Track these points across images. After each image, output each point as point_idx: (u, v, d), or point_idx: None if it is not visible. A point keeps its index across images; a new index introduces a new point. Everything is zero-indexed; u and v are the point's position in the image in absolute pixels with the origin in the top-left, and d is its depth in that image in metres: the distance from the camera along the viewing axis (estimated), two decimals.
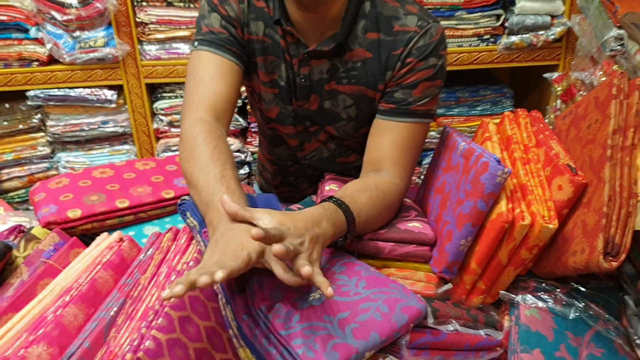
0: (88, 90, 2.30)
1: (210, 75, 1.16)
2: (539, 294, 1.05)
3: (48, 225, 1.18)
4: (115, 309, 0.88)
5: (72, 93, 2.30)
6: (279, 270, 0.83)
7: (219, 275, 0.74)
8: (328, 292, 0.78)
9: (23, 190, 2.48)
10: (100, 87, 2.31)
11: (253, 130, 2.46)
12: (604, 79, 1.36)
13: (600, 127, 1.02)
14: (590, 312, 1.02)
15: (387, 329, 0.84)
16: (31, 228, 1.19)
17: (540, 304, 1.03)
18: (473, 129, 2.35)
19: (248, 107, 2.43)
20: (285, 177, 1.53)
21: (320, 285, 0.79)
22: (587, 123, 1.08)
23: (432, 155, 1.35)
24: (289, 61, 1.23)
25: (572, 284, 1.08)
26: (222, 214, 0.91)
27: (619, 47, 1.44)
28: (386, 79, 1.19)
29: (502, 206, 1.00)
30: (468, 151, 1.08)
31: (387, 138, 1.19)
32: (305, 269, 0.79)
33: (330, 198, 1.01)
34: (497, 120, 1.30)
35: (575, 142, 1.11)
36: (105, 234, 1.11)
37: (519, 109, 1.28)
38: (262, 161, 1.58)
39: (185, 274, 0.75)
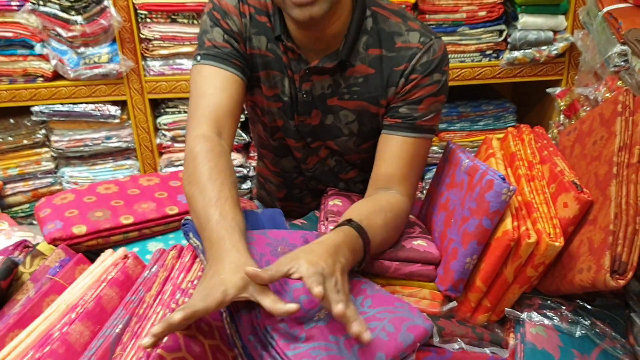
0: (92, 106, 2.31)
1: (213, 88, 1.17)
2: (544, 311, 1.04)
3: (54, 242, 1.18)
4: (120, 326, 0.88)
5: (77, 108, 2.30)
6: (267, 302, 0.82)
7: (176, 316, 0.76)
8: (365, 338, 0.78)
9: (27, 205, 2.48)
10: (104, 102, 2.31)
11: (257, 145, 2.46)
12: (608, 95, 1.37)
13: (605, 144, 1.02)
14: (597, 330, 1.01)
15: (393, 349, 0.84)
16: (37, 244, 1.19)
17: (546, 321, 1.02)
18: (475, 144, 2.35)
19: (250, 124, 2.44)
20: (290, 189, 1.52)
21: (353, 326, 0.79)
22: (592, 140, 1.08)
23: (434, 170, 1.35)
24: (291, 77, 1.24)
25: (578, 301, 1.07)
26: (214, 244, 0.91)
27: (622, 63, 1.45)
28: (389, 95, 1.20)
29: (508, 224, 1.00)
30: (472, 168, 1.08)
31: (394, 153, 1.19)
32: (340, 308, 0.79)
33: (349, 222, 1.00)
34: (500, 136, 1.31)
35: (580, 158, 1.12)
36: (110, 251, 1.11)
37: (522, 125, 1.28)
38: (265, 174, 1.58)
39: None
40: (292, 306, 0.80)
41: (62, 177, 2.45)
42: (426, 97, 1.17)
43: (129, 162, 2.46)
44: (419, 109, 1.18)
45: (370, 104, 1.22)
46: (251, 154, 2.50)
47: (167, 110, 2.38)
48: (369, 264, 1.06)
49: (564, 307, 1.05)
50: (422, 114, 1.18)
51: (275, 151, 1.43)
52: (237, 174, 2.44)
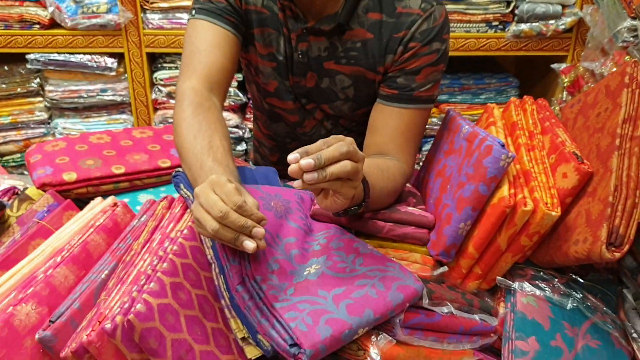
0: (88, 57, 2.27)
1: (206, 45, 1.14)
2: (536, 282, 1.03)
3: (43, 187, 1.16)
4: (106, 272, 0.87)
5: (73, 59, 2.27)
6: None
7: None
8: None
9: (18, 155, 2.45)
10: (101, 54, 2.28)
11: (252, 106, 2.43)
12: (614, 69, 1.34)
13: (610, 116, 1.00)
14: (588, 304, 1.00)
15: (381, 307, 0.83)
16: (25, 188, 1.17)
17: (538, 292, 1.01)
18: (476, 117, 2.32)
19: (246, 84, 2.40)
20: (283, 153, 1.50)
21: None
22: (596, 111, 1.06)
23: (432, 141, 1.33)
24: (287, 35, 1.20)
25: (571, 274, 1.06)
26: None
27: (631, 38, 1.42)
28: (387, 62, 1.17)
29: (504, 191, 0.98)
30: (472, 134, 1.06)
31: (390, 124, 1.17)
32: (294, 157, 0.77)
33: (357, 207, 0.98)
34: (502, 107, 1.28)
35: (582, 130, 1.10)
36: (99, 199, 1.09)
37: (526, 96, 1.26)
38: (259, 137, 1.55)
39: None
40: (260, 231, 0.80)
41: (55, 128, 2.42)
42: (424, 66, 1.14)
43: (124, 116, 2.43)
44: (417, 79, 1.15)
45: (367, 70, 1.19)
46: (247, 115, 2.47)
47: (164, 65, 2.35)
48: (362, 223, 1.04)
49: (556, 279, 1.04)
50: (419, 84, 1.15)
51: (268, 115, 1.40)
52: (233, 135, 2.42)
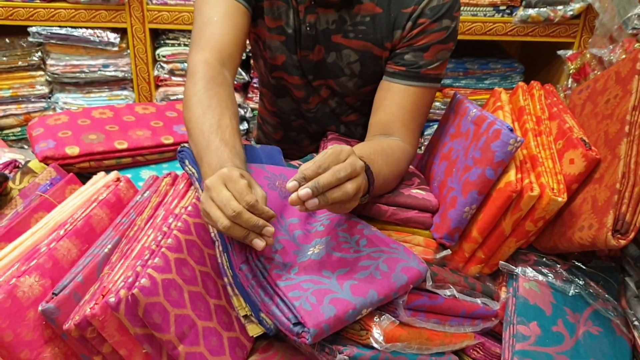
0: (91, 31, 2.25)
1: (219, 16, 1.12)
2: (539, 268, 1.03)
3: (45, 160, 1.16)
4: (109, 246, 0.87)
5: (75, 33, 2.24)
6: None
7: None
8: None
9: (18, 129, 2.43)
10: (104, 29, 2.25)
11: (255, 85, 2.42)
12: (624, 56, 1.33)
13: (619, 103, 1.00)
14: (590, 290, 1.00)
15: (385, 288, 0.82)
16: (28, 161, 1.16)
17: (541, 277, 1.01)
18: (479, 103, 2.30)
19: (252, 60, 2.38)
20: (287, 131, 1.49)
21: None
22: (605, 98, 1.05)
23: (435, 126, 1.32)
24: (296, 7, 1.18)
25: (574, 261, 1.06)
26: (214, 169, 0.88)
27: None
28: (395, 38, 1.15)
29: (511, 175, 0.97)
30: (480, 118, 1.05)
31: (396, 102, 1.15)
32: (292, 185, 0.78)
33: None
34: (509, 92, 1.27)
35: (590, 117, 1.09)
36: (102, 173, 1.08)
37: (533, 81, 1.25)
38: (263, 114, 1.54)
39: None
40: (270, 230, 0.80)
41: (56, 102, 2.40)
42: (433, 44, 1.13)
43: (125, 92, 2.41)
44: (425, 57, 1.13)
45: (374, 46, 1.18)
46: (249, 95, 2.45)
47: (167, 41, 2.33)
48: (365, 206, 1.04)
49: (559, 266, 1.04)
50: (427, 62, 1.14)
51: (274, 90, 1.39)
52: None
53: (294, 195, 0.77)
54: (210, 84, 1.03)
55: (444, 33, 1.12)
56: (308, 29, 1.19)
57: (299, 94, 1.33)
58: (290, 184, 0.77)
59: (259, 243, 0.79)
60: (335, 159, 0.80)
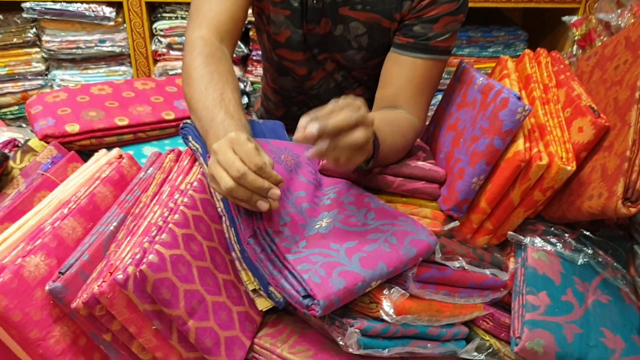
0: (86, 6, 2.21)
1: None
2: (547, 237, 1.03)
3: (45, 138, 1.14)
4: (115, 224, 0.86)
5: (70, 8, 2.21)
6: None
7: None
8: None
9: (16, 107, 2.41)
10: (99, 3, 2.22)
11: (254, 58, 2.39)
12: (633, 20, 1.30)
13: (629, 69, 0.98)
14: (599, 259, 1.00)
15: (395, 260, 0.82)
16: (27, 140, 1.14)
17: (549, 247, 1.01)
18: (483, 72, 2.27)
19: (251, 33, 2.35)
20: (288, 107, 1.47)
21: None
22: (614, 64, 1.04)
23: (440, 96, 1.30)
24: None
25: (582, 230, 1.05)
26: (221, 139, 0.86)
27: None
28: (404, 9, 1.12)
29: (519, 145, 0.96)
30: (487, 86, 1.03)
31: (403, 74, 1.13)
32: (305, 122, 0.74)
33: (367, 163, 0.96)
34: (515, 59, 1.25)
35: (599, 84, 1.07)
36: (104, 151, 1.07)
37: (539, 48, 1.23)
38: (266, 90, 1.52)
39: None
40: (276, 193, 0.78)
41: (53, 80, 2.38)
42: (443, 15, 1.10)
43: (123, 68, 2.39)
44: (435, 28, 1.11)
45: (383, 17, 1.15)
46: (249, 68, 2.42)
47: (164, 15, 2.29)
48: (372, 177, 1.02)
49: (567, 235, 1.03)
50: (437, 34, 1.11)
51: (277, 67, 1.37)
52: None
53: (299, 134, 0.74)
54: (210, 59, 1.01)
55: (454, 4, 1.09)
56: (315, 2, 1.16)
57: (301, 71, 1.31)
58: (301, 122, 0.74)
59: (263, 205, 0.78)
60: (347, 105, 0.77)
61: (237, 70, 2.38)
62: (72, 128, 1.16)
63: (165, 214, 0.80)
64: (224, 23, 1.08)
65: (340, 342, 0.78)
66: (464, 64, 1.21)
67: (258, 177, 0.77)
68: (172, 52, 2.33)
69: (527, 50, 1.22)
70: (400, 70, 1.13)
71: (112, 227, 0.85)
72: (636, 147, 0.90)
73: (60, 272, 0.76)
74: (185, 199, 0.84)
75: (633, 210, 0.87)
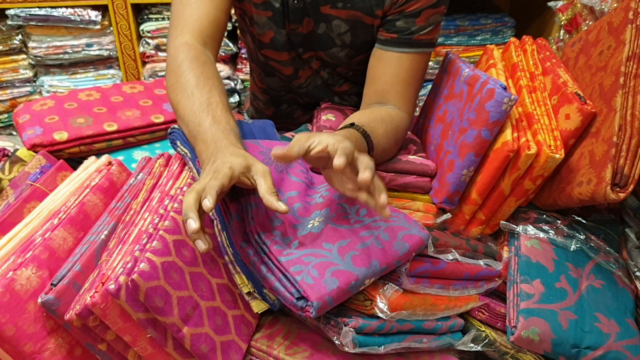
0: (71, 10, 2.20)
1: None
2: (540, 225, 1.03)
3: (34, 148, 1.14)
4: (106, 232, 0.85)
5: (55, 13, 2.19)
6: (262, 188, 0.77)
7: (207, 204, 0.71)
8: (386, 212, 0.75)
9: (5, 115, 2.40)
10: (84, 7, 2.20)
11: (243, 56, 2.38)
12: (615, 5, 1.30)
13: (613, 54, 0.98)
14: (591, 244, 1.00)
15: (387, 257, 0.82)
16: (16, 150, 1.14)
17: (542, 235, 1.01)
18: (472, 60, 2.28)
19: (239, 31, 2.34)
20: (278, 106, 1.47)
21: (382, 197, 0.75)
22: (598, 50, 1.04)
23: (429, 86, 1.29)
24: None
25: (574, 216, 1.06)
26: (209, 145, 0.86)
27: None
28: (385, 5, 1.12)
29: (507, 135, 0.96)
30: (472, 78, 1.03)
31: (389, 70, 1.13)
32: (367, 174, 0.74)
33: (351, 125, 0.96)
34: (501, 48, 1.25)
35: (584, 70, 1.07)
36: (93, 158, 1.06)
37: (525, 36, 1.22)
38: (254, 90, 1.51)
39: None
40: (282, 206, 0.75)
41: (42, 86, 2.37)
42: (425, 8, 1.10)
43: (112, 71, 2.37)
44: (417, 22, 1.10)
45: (364, 14, 1.14)
46: (238, 66, 2.41)
47: (151, 16, 2.28)
48: None
49: (559, 221, 1.04)
50: (420, 27, 1.11)
51: (263, 68, 1.36)
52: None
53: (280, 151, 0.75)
54: (194, 63, 1.01)
55: None
56: (296, 2, 1.15)
57: (287, 71, 1.31)
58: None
59: (201, 245, 0.73)
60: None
61: (227, 69, 2.37)
62: (61, 136, 1.16)
63: (156, 221, 0.80)
64: (206, 28, 1.08)
65: (336, 342, 0.79)
66: (451, 55, 1.21)
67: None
68: (160, 54, 2.32)
69: (513, 39, 1.22)
70: (386, 67, 1.13)
71: (103, 236, 0.85)
72: (623, 132, 0.90)
73: (52, 284, 0.76)
74: (176, 205, 0.84)
75: (622, 195, 0.87)
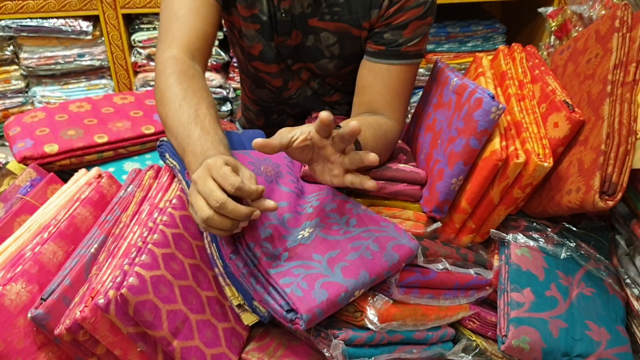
0: (62, 21, 2.20)
1: (184, 11, 1.08)
2: (530, 233, 1.03)
3: (24, 161, 1.13)
4: (95, 246, 0.86)
5: (46, 24, 2.19)
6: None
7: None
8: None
9: None
10: (75, 17, 2.20)
11: (235, 65, 2.38)
12: (603, 12, 1.31)
13: (600, 62, 0.98)
14: (582, 252, 1.01)
15: (377, 268, 0.82)
16: (6, 163, 1.14)
17: (532, 243, 1.01)
18: (463, 66, 2.29)
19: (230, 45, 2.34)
20: (268, 117, 1.47)
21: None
22: (586, 57, 1.04)
23: (420, 93, 1.30)
24: None
25: (564, 223, 1.06)
26: (199, 156, 0.86)
27: None
28: (372, 17, 1.12)
29: (496, 144, 0.97)
30: (461, 87, 1.04)
31: (378, 82, 1.14)
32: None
33: (337, 127, 0.96)
34: (490, 56, 1.26)
35: (572, 77, 1.08)
36: (83, 170, 1.06)
37: (514, 44, 1.23)
38: (245, 100, 1.52)
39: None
40: (271, 203, 0.79)
41: (34, 96, 2.36)
42: (412, 20, 1.10)
43: (104, 81, 2.37)
44: (404, 34, 1.11)
45: (351, 27, 1.15)
46: (230, 75, 2.42)
47: (142, 26, 2.28)
48: None
49: (549, 229, 1.04)
50: (407, 39, 1.11)
51: (253, 79, 1.37)
52: (217, 96, 2.37)
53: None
54: (182, 76, 1.01)
55: (421, 8, 1.09)
56: (283, 15, 1.16)
57: (277, 82, 1.31)
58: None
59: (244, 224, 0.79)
60: None
61: (219, 78, 2.37)
62: (51, 148, 1.16)
63: (145, 234, 0.80)
64: (194, 41, 1.08)
65: (327, 354, 0.79)
66: (440, 64, 1.21)
67: (237, 206, 0.76)
68: (152, 63, 2.32)
69: (502, 47, 1.22)
70: (375, 78, 1.13)
71: (92, 250, 0.85)
72: (611, 140, 0.91)
73: (42, 299, 0.76)
74: (165, 218, 0.84)
75: (610, 203, 0.88)
